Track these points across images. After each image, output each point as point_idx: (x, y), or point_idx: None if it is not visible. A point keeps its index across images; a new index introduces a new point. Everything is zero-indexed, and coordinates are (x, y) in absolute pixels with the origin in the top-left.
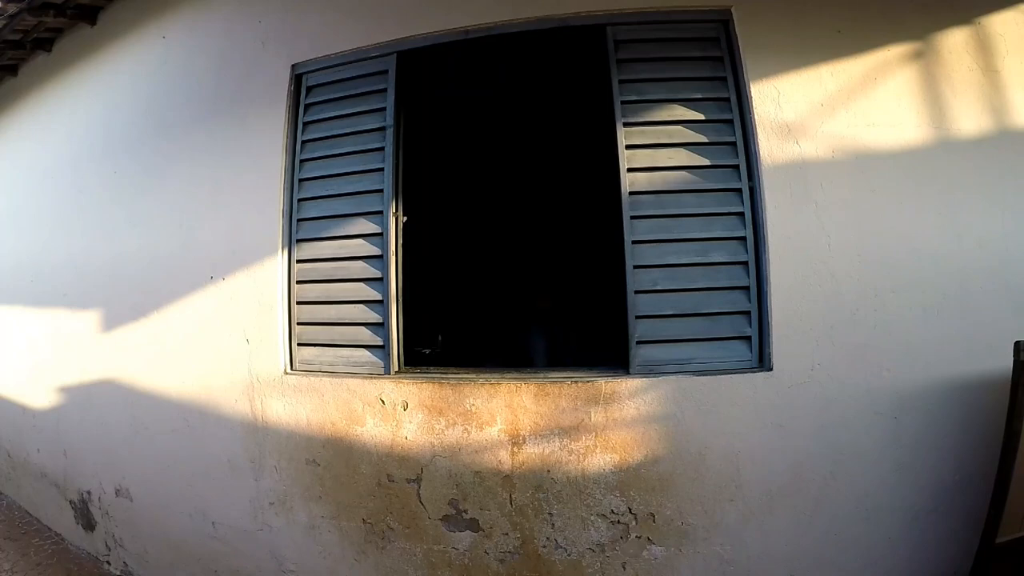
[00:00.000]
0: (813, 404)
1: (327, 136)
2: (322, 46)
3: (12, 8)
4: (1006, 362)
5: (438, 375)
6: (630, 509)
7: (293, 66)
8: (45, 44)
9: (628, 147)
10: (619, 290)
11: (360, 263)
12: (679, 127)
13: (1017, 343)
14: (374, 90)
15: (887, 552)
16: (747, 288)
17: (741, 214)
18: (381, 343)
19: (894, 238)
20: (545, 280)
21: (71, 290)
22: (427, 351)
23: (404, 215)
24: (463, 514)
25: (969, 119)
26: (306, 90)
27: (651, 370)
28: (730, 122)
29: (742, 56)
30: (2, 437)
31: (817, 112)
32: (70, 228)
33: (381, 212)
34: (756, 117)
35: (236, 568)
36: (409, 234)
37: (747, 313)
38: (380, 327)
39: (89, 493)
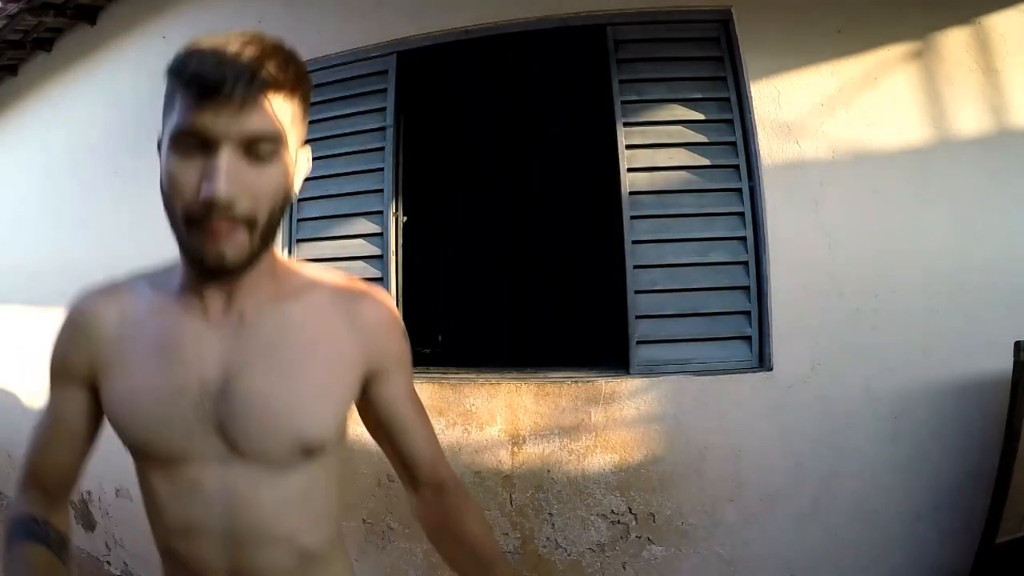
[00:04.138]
0: (813, 404)
1: (327, 136)
2: (322, 46)
3: (12, 8)
4: (1006, 362)
5: (438, 375)
6: (630, 509)
7: None
8: (45, 44)
9: (628, 147)
10: (619, 290)
11: (360, 263)
12: (679, 127)
13: (1017, 343)
14: (374, 90)
15: (887, 552)
16: (747, 288)
17: (741, 214)
18: None
19: (894, 238)
20: (545, 279)
21: (71, 290)
22: (427, 351)
23: (404, 215)
24: None
25: (969, 119)
26: None
27: (651, 370)
28: (730, 122)
29: (742, 56)
30: (2, 437)
31: (817, 112)
32: (70, 228)
33: (381, 212)
34: (756, 117)
35: None
36: (409, 234)
37: (747, 313)
38: None
39: (89, 493)
